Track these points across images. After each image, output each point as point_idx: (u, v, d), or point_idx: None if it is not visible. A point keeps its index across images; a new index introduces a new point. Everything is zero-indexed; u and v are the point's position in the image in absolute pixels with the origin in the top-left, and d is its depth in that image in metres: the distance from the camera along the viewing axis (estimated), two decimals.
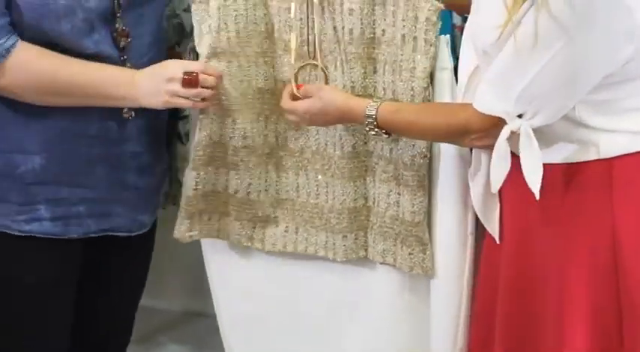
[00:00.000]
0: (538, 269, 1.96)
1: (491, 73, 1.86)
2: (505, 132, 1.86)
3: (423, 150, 2.11)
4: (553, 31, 1.75)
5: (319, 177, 2.25)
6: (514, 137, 1.86)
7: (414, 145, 2.11)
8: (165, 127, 2.38)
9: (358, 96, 2.13)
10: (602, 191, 1.88)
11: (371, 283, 2.27)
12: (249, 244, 2.34)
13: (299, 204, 2.28)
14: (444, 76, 2.09)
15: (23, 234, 2.17)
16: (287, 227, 2.31)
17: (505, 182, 1.91)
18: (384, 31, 2.12)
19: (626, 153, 1.87)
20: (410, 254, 2.16)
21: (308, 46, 2.16)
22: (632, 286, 1.87)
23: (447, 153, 2.12)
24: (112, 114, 2.18)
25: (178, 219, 2.33)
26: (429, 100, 2.08)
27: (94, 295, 2.34)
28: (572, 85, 1.81)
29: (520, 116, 1.85)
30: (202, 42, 2.21)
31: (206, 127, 2.25)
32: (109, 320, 2.40)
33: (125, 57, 2.17)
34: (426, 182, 2.13)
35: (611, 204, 1.87)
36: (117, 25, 2.15)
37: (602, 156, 1.88)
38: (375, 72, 2.15)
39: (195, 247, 2.43)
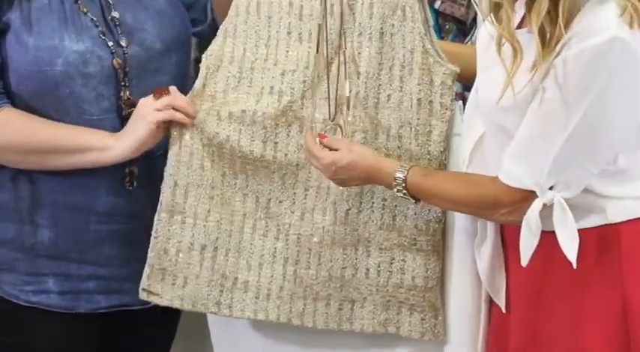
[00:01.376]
0: (548, 335, 1.94)
1: (516, 145, 1.84)
2: (537, 206, 1.83)
3: (439, 214, 2.08)
4: (572, 96, 1.74)
5: (302, 242, 2.15)
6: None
7: (429, 210, 2.08)
8: None
9: None
10: (611, 256, 1.88)
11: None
12: (217, 311, 2.19)
13: (275, 269, 2.17)
14: (458, 141, 2.07)
15: (31, 305, 2.14)
16: (258, 293, 2.18)
17: (513, 251, 1.90)
18: (389, 96, 2.08)
19: (634, 217, 1.88)
20: (422, 320, 2.12)
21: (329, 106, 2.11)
22: None
23: (456, 222, 2.09)
24: (118, 189, 2.17)
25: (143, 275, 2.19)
26: (445, 165, 2.07)
27: None
28: (597, 151, 1.81)
29: (550, 188, 1.83)
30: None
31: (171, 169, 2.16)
32: None
33: None
34: (441, 247, 2.11)
35: (620, 269, 1.88)
36: (121, 94, 2.12)
37: (609, 222, 1.88)
38: (376, 138, 2.09)
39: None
